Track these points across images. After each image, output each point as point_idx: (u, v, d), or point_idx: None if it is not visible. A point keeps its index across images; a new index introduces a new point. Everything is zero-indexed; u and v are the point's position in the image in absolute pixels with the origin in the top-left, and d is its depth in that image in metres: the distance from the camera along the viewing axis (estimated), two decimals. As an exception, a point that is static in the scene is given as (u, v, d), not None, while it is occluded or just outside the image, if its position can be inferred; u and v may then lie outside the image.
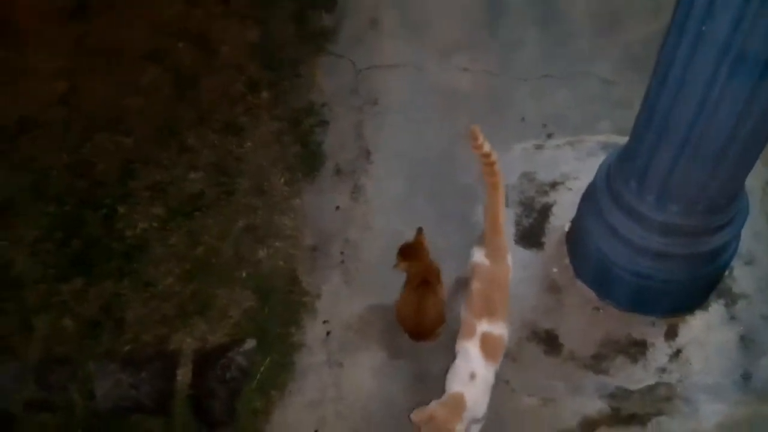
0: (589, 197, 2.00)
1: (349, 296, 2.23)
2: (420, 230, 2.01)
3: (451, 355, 1.80)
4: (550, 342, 2.02)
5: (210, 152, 2.71)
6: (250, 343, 2.15)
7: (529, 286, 2.14)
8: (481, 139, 1.71)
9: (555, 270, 2.15)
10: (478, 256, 1.82)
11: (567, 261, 2.15)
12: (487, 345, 1.71)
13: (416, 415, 1.64)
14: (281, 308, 2.24)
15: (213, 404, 2.05)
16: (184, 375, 2.12)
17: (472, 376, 1.69)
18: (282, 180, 2.58)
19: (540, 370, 1.98)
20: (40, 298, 2.40)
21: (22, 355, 2.27)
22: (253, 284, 2.31)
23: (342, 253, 2.35)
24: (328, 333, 2.16)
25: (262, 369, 2.11)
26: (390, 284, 2.18)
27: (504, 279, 1.80)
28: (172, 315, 2.28)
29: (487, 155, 1.73)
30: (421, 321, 1.98)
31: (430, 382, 1.96)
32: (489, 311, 1.73)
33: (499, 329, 1.74)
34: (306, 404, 2.03)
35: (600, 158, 2.26)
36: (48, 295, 2.40)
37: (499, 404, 1.90)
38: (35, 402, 2.17)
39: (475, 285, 1.78)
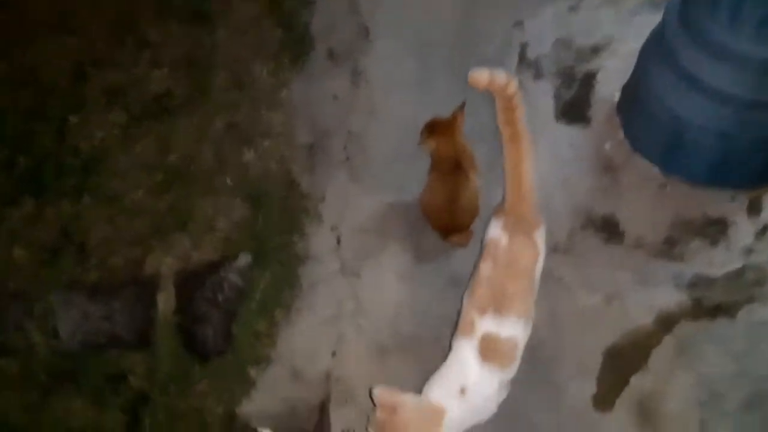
0: (654, 46, 1.61)
1: (359, 196, 1.85)
2: (462, 105, 1.61)
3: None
4: (609, 229, 1.67)
5: (175, 46, 2.26)
6: (245, 258, 1.78)
7: (578, 168, 1.77)
8: (489, 77, 1.28)
9: (607, 146, 1.78)
10: (494, 229, 1.36)
11: (621, 134, 1.78)
12: (490, 350, 1.29)
13: (379, 395, 1.24)
14: (278, 216, 1.86)
15: (205, 331, 1.68)
16: (165, 300, 1.75)
17: (462, 391, 1.28)
18: (265, 71, 2.15)
19: (600, 263, 1.63)
20: (-16, 226, 2.00)
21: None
22: (241, 191, 1.92)
23: (345, 148, 1.95)
24: (338, 239, 1.79)
25: (261, 286, 1.74)
26: (407, 178, 1.81)
27: (528, 264, 1.33)
28: (145, 233, 1.89)
29: (505, 92, 1.29)
30: (454, 212, 1.61)
31: (465, 286, 1.61)
32: (496, 303, 1.29)
33: (509, 328, 1.29)
34: (319, 322, 1.68)
35: (646, 17, 1.88)
36: (-7, 222, 2.00)
37: (553, 306, 1.57)
38: (-13, 346, 1.79)
39: (483, 267, 1.33)
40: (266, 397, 1.62)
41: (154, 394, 1.64)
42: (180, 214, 1.90)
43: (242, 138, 2.02)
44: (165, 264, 1.81)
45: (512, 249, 1.33)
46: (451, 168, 1.59)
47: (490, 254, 1.34)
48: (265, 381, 1.64)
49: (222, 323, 1.69)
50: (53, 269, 1.87)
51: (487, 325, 1.29)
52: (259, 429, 1.58)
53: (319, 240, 1.80)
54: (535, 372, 1.45)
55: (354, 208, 1.83)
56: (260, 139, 2.01)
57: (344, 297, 1.69)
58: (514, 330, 1.30)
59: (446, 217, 1.63)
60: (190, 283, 1.75)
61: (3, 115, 2.21)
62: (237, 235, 1.84)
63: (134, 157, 2.04)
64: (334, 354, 1.62)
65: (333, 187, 1.88)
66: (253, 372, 1.65)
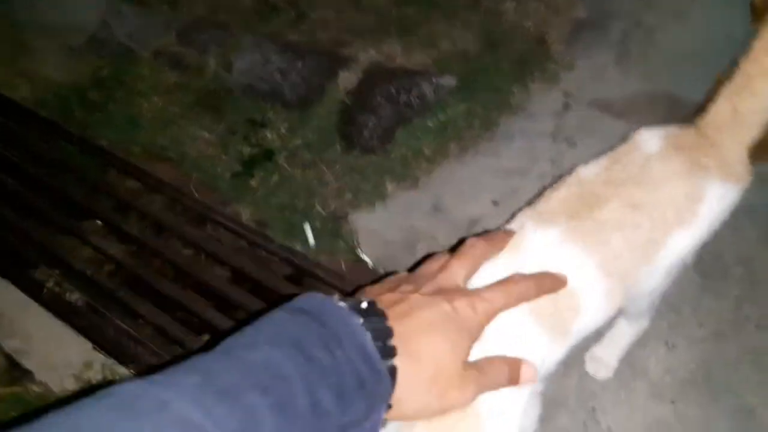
0: None
1: (618, 78, 1.43)
2: None
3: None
4: None
5: None
6: (449, 79, 1.45)
7: None
8: None
9: None
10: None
11: None
12: None
13: None
14: (509, 63, 1.50)
15: (368, 120, 1.37)
16: (346, 79, 1.48)
17: None
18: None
19: None
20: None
21: (181, 10, 1.82)
22: (482, 30, 1.60)
23: (625, 32, 1.54)
24: (566, 105, 1.38)
25: (451, 111, 1.39)
26: (693, 80, 1.34)
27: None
28: (363, 27, 1.66)
29: None
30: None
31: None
32: None
33: None
34: (496, 169, 1.27)
35: None
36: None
37: None
38: (168, 53, 1.69)
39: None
40: (385, 217, 1.25)
41: (280, 154, 1.37)
42: (407, 24, 1.64)
43: (509, -9, 1.71)
44: (365, 53, 1.55)
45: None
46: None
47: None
48: (397, 202, 1.27)
49: (389, 122, 1.38)
50: (263, 20, 1.73)
51: None
52: (360, 252, 1.22)
53: (542, 98, 1.41)
54: None
55: (604, 86, 1.41)
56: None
57: (542, 157, 1.27)
58: None
59: None
60: (378, 76, 1.46)
61: None
62: (454, 59, 1.52)
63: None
64: (496, 203, 1.20)
65: (590, 60, 1.48)
66: (390, 186, 1.30)
